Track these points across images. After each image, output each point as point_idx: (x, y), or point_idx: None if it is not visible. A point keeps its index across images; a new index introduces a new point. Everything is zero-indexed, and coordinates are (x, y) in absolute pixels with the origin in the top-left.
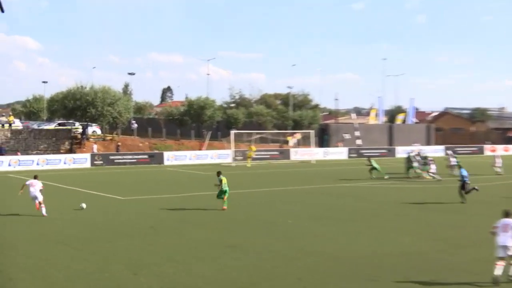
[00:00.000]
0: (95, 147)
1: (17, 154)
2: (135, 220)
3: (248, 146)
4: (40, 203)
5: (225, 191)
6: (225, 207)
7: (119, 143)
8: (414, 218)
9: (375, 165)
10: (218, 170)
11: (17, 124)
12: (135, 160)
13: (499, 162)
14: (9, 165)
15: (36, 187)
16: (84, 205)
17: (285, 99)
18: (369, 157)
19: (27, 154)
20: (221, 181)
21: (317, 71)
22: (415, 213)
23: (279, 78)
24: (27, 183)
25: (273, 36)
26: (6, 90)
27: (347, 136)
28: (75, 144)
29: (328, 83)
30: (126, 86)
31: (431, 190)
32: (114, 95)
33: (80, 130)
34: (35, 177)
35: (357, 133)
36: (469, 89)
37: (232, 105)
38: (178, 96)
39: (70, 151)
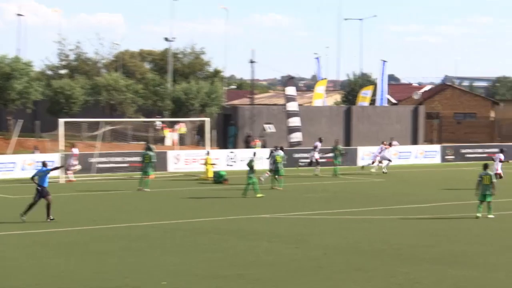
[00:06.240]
0: None
1: None
2: None
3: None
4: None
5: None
6: None
7: None
8: None
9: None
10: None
11: None
12: None
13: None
14: None
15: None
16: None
17: (160, 62)
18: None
19: None
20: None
21: (219, 11)
22: None
23: (150, 23)
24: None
25: None
26: None
27: (270, 128)
28: None
29: (239, 33)
30: None
31: None
32: None
33: None
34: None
35: (292, 122)
36: (489, 45)
37: (64, 71)
38: None
39: None
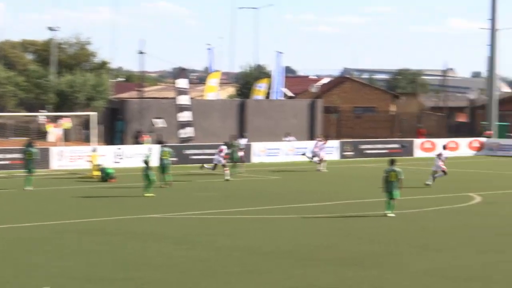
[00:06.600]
0: None
1: None
2: None
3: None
4: None
5: None
6: None
7: None
8: None
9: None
10: None
11: None
12: None
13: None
14: None
15: None
16: None
17: (44, 52)
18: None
19: None
20: None
21: None
22: None
23: (32, 11)
24: None
25: None
26: None
27: (160, 122)
28: None
29: (127, 23)
30: None
31: None
32: None
33: None
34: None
35: (183, 117)
36: (389, 36)
37: None
38: None
39: None
